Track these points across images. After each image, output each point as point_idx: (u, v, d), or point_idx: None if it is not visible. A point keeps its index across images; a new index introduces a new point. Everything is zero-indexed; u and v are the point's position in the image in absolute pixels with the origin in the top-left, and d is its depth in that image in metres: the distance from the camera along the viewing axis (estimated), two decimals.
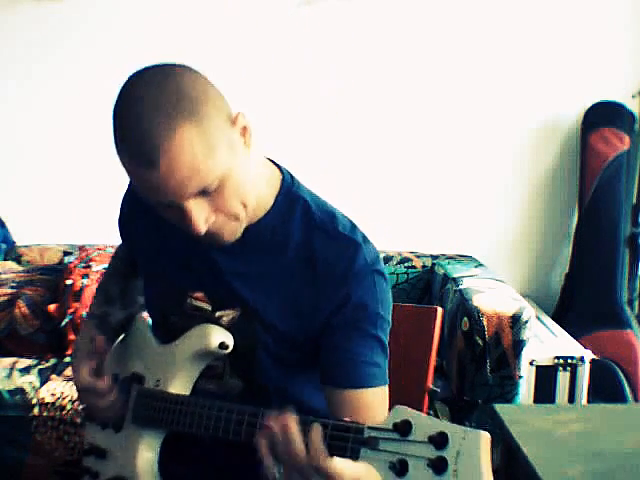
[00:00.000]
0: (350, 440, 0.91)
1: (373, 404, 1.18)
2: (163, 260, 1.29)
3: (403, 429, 0.86)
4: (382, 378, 1.20)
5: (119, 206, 1.41)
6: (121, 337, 1.43)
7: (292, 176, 1.24)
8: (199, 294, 1.25)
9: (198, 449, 1.25)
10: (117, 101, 1.04)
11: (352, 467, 0.92)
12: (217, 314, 1.24)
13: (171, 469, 1.27)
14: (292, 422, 0.97)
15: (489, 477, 0.82)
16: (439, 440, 0.84)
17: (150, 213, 1.22)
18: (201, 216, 1.06)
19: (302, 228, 1.20)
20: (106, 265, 1.54)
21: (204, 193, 1.05)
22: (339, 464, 0.92)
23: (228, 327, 1.23)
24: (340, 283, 1.17)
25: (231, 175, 1.07)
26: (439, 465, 0.83)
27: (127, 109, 1.02)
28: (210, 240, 1.13)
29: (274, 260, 1.20)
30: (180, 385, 1.24)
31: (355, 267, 1.17)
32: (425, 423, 0.86)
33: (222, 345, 1.20)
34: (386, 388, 1.20)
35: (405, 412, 0.88)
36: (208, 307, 1.25)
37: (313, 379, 1.24)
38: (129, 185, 1.38)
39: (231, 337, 1.21)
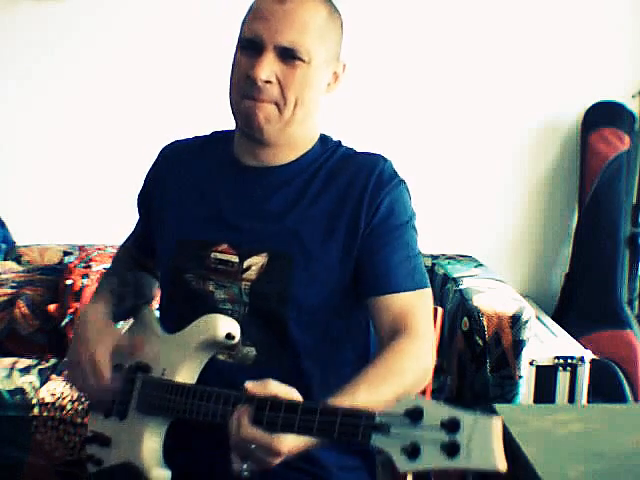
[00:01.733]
0: (362, 426, 0.91)
1: (416, 307, 1.22)
2: (191, 208, 1.31)
3: (414, 415, 0.87)
4: (421, 281, 1.25)
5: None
6: (127, 327, 1.43)
7: (331, 137, 1.37)
8: (223, 246, 1.26)
9: (203, 435, 1.25)
10: None
11: (298, 440, 0.98)
12: (245, 263, 1.24)
13: (176, 455, 1.27)
14: (244, 414, 1.00)
15: (502, 459, 0.83)
16: (451, 425, 0.85)
17: (186, 166, 1.33)
18: (270, 66, 1.19)
19: (337, 158, 1.31)
20: (106, 265, 1.54)
21: (286, 55, 1.19)
22: (284, 439, 0.97)
23: (258, 276, 1.23)
24: (375, 191, 1.25)
25: (311, 69, 1.22)
26: (451, 448, 0.84)
27: None
28: (247, 119, 1.22)
29: (305, 192, 1.26)
30: (186, 374, 1.24)
31: (386, 175, 1.28)
32: (436, 409, 0.87)
33: (229, 336, 1.20)
34: (427, 291, 1.25)
35: (416, 400, 0.89)
36: (235, 258, 1.25)
37: (337, 332, 1.26)
38: (162, 150, 1.42)
39: (238, 327, 1.21)
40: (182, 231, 1.31)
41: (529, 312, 2.21)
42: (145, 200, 1.43)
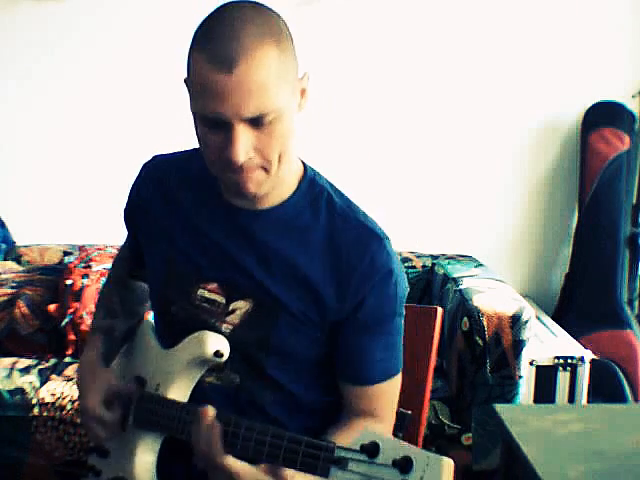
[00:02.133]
0: (321, 458, 0.95)
1: (385, 396, 1.23)
2: (179, 243, 1.27)
3: (370, 451, 0.90)
4: (395, 368, 1.24)
5: (127, 194, 1.39)
6: (129, 341, 1.43)
7: (312, 168, 1.28)
8: (212, 285, 1.24)
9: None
10: (210, 14, 1.11)
11: (247, 468, 1.03)
12: (231, 306, 1.23)
13: (170, 468, 1.27)
14: (210, 416, 1.07)
15: None
16: (404, 464, 0.87)
17: (171, 193, 1.27)
18: (245, 144, 1.08)
19: (325, 215, 1.22)
20: (106, 265, 1.55)
21: (256, 123, 1.07)
22: (233, 463, 1.04)
23: (241, 321, 1.22)
24: (364, 278, 1.19)
25: (284, 118, 1.10)
26: None
27: (221, 17, 1.08)
28: (235, 187, 1.14)
29: (296, 244, 1.21)
30: (178, 391, 1.24)
31: (378, 262, 1.20)
32: (392, 446, 0.89)
33: (217, 353, 1.20)
34: (398, 376, 1.24)
35: (373, 434, 0.91)
36: (222, 299, 1.24)
37: (316, 374, 1.26)
38: (142, 168, 1.37)
39: (227, 344, 1.21)
40: (172, 260, 1.28)
41: (529, 312, 2.21)
42: (131, 217, 1.40)
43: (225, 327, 1.23)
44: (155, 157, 1.38)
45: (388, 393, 1.23)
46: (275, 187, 1.19)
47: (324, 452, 0.94)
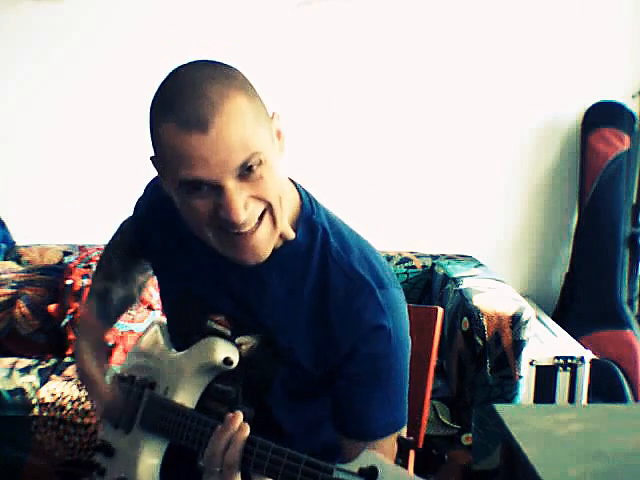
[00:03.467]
0: (319, 478, 0.94)
1: (386, 450, 1.17)
2: (189, 274, 1.25)
3: (369, 475, 0.89)
4: (396, 426, 1.19)
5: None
6: (138, 344, 1.43)
7: (310, 199, 1.21)
8: (220, 317, 1.24)
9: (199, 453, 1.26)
10: (166, 78, 1.05)
11: None
12: (237, 340, 1.23)
13: (173, 472, 1.27)
14: (237, 424, 1.06)
15: None
16: None
17: (172, 228, 1.23)
18: (241, 199, 1.02)
19: (320, 260, 1.17)
20: None
21: (244, 175, 1.02)
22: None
23: (246, 356, 1.22)
24: (350, 331, 1.15)
25: (269, 163, 1.04)
26: None
27: (181, 79, 1.03)
28: (246, 254, 1.08)
29: (293, 290, 1.17)
30: (186, 396, 1.24)
31: (365, 316, 1.14)
32: (390, 473, 0.88)
33: (227, 360, 1.20)
34: (403, 430, 1.20)
35: (374, 458, 0.90)
36: (227, 332, 1.24)
37: (323, 413, 1.24)
38: (146, 189, 1.34)
39: (237, 353, 1.21)
40: (184, 290, 1.27)
41: (529, 312, 2.21)
42: (140, 227, 1.37)
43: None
44: (155, 182, 1.32)
45: (389, 448, 1.16)
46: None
47: (322, 472, 0.94)
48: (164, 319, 1.42)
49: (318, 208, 1.21)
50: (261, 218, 1.07)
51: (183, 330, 1.30)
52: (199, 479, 1.25)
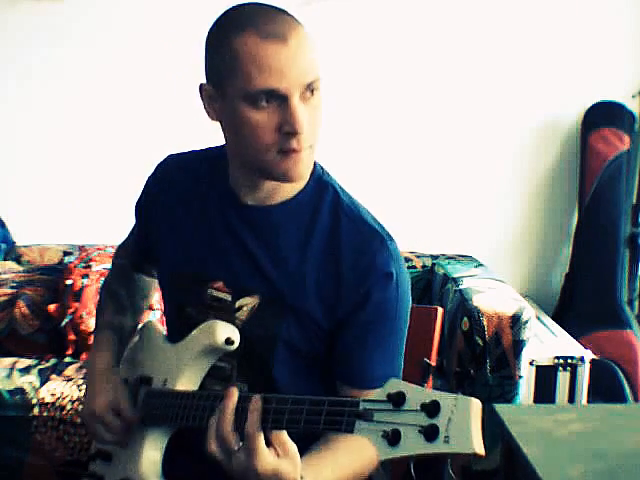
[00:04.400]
0: (345, 414, 0.92)
1: None
2: (189, 244, 1.28)
3: (397, 400, 0.88)
4: (394, 376, 1.21)
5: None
6: (132, 343, 1.43)
7: (322, 167, 1.28)
8: (219, 283, 1.25)
9: (202, 448, 1.25)
10: (227, 12, 1.17)
11: (275, 462, 0.99)
12: (237, 303, 1.23)
13: (176, 467, 1.27)
14: (231, 399, 1.03)
15: (479, 442, 0.83)
16: (431, 408, 0.85)
17: (182, 194, 1.28)
18: (305, 114, 1.10)
19: (330, 213, 1.23)
20: (106, 265, 1.53)
21: (307, 94, 1.11)
22: (265, 452, 0.99)
23: (249, 317, 1.22)
24: (362, 278, 1.19)
25: (320, 94, 1.14)
26: (431, 432, 0.84)
27: (251, 6, 1.15)
28: (282, 173, 1.14)
29: (301, 242, 1.22)
30: (187, 382, 1.24)
31: (378, 263, 1.19)
32: (418, 393, 0.87)
33: (228, 340, 1.20)
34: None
35: (399, 384, 0.89)
36: (227, 297, 1.24)
37: (320, 376, 1.25)
38: (157, 167, 1.38)
39: (237, 333, 1.21)
40: (180, 261, 1.29)
41: (529, 312, 2.21)
42: (143, 212, 1.41)
43: (236, 323, 1.24)
44: (168, 157, 1.39)
45: None
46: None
47: (349, 407, 0.92)
48: (153, 318, 1.42)
49: (329, 174, 1.28)
50: (307, 148, 1.14)
51: (183, 310, 1.29)
52: (200, 471, 1.26)
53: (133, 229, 1.48)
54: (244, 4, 1.16)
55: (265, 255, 1.22)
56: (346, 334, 1.21)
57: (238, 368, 1.24)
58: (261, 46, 1.08)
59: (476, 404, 0.85)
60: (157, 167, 1.39)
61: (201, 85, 1.19)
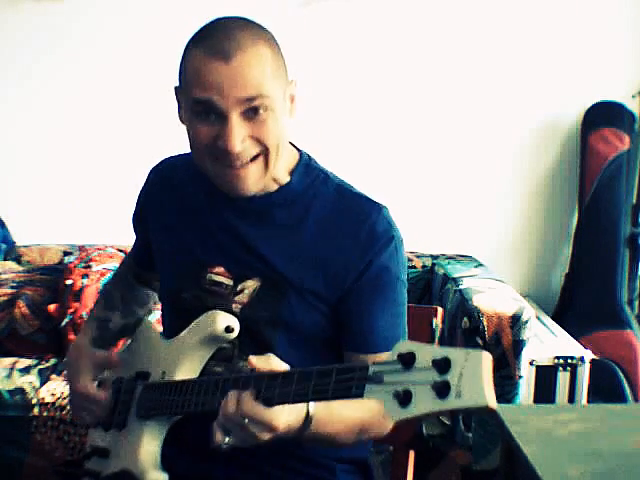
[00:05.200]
0: (355, 379, 0.92)
1: None
2: (186, 233, 1.31)
3: (407, 360, 0.87)
4: (401, 338, 1.25)
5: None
6: (127, 343, 1.43)
7: (310, 156, 1.32)
8: (219, 268, 1.27)
9: (202, 441, 1.25)
10: (202, 26, 1.21)
11: (285, 414, 1.01)
12: (239, 286, 1.25)
13: (175, 461, 1.27)
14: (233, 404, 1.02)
15: (491, 395, 0.82)
16: (442, 364, 0.84)
17: (178, 188, 1.31)
18: (240, 133, 1.13)
19: (324, 194, 1.26)
20: (106, 265, 1.55)
21: (250, 112, 1.13)
22: (272, 412, 1.00)
23: (250, 300, 1.24)
24: (364, 247, 1.22)
25: (276, 113, 1.16)
26: (442, 388, 0.83)
27: (216, 24, 1.18)
28: (227, 185, 1.19)
29: (298, 225, 1.24)
30: (187, 371, 1.24)
31: (377, 231, 1.23)
32: (428, 351, 0.86)
33: (228, 329, 1.21)
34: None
35: (409, 344, 0.89)
36: (229, 281, 1.26)
37: (325, 355, 1.26)
38: (150, 173, 1.41)
39: (236, 321, 1.22)
40: (181, 249, 1.31)
41: (529, 312, 2.21)
42: (140, 221, 1.43)
43: (235, 307, 1.25)
44: (162, 161, 1.42)
45: None
46: (277, 171, 1.24)
47: (358, 372, 0.92)
48: (150, 318, 1.42)
49: (314, 159, 1.32)
50: (255, 159, 1.17)
51: (184, 302, 1.29)
52: (198, 465, 1.26)
53: (134, 243, 1.51)
54: (218, 19, 1.21)
55: (264, 244, 1.24)
56: (353, 302, 1.23)
57: (240, 348, 1.25)
58: (204, 62, 1.13)
59: (487, 357, 0.83)
60: (151, 171, 1.42)
61: (175, 87, 1.24)
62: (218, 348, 1.25)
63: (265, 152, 1.17)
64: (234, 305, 1.25)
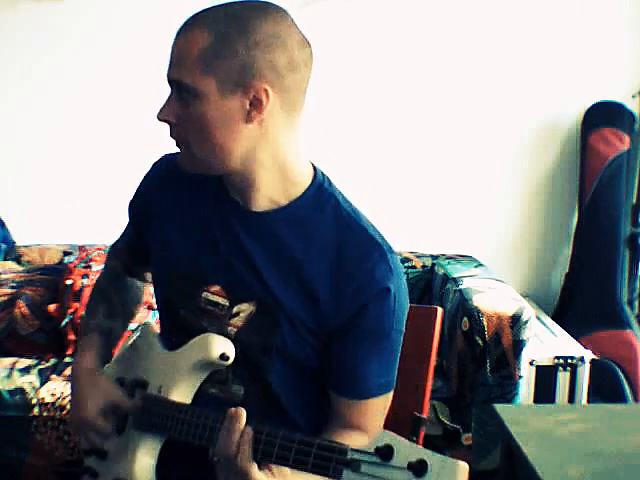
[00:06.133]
0: (334, 460, 0.93)
1: (376, 411, 1.22)
2: (183, 245, 1.27)
3: (385, 453, 0.88)
4: (388, 387, 1.22)
5: (127, 192, 1.39)
6: (129, 342, 1.43)
7: (325, 176, 1.27)
8: (216, 288, 1.24)
9: (196, 452, 1.25)
10: None
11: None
12: (235, 309, 1.23)
13: (169, 470, 1.27)
14: (240, 420, 1.05)
15: None
16: (419, 467, 0.85)
17: (176, 195, 1.28)
18: (168, 105, 1.17)
19: (331, 223, 1.21)
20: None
21: (180, 92, 1.15)
22: (257, 472, 1.01)
23: (245, 324, 1.22)
24: (359, 292, 1.18)
25: (206, 107, 1.13)
26: None
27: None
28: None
29: (299, 249, 1.20)
30: (181, 393, 1.24)
31: (376, 277, 1.18)
32: (407, 449, 0.87)
33: (223, 356, 1.20)
34: (391, 393, 1.23)
35: (388, 437, 0.89)
36: (225, 302, 1.23)
37: (318, 383, 1.25)
38: (153, 166, 1.38)
39: (232, 347, 1.21)
40: (177, 262, 1.28)
41: (529, 312, 2.21)
42: (137, 211, 1.40)
43: (230, 330, 1.23)
44: (164, 156, 1.38)
45: (379, 409, 1.22)
46: (278, 187, 1.20)
47: (337, 454, 0.93)
48: (152, 321, 1.41)
49: (331, 182, 1.27)
50: (183, 146, 1.18)
51: (177, 312, 1.28)
52: (194, 475, 1.26)
53: (125, 230, 1.47)
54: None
55: (264, 261, 1.21)
56: (340, 345, 1.20)
57: (234, 372, 1.24)
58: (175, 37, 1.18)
59: (463, 468, 0.85)
60: (153, 166, 1.39)
61: None
62: (214, 371, 1.24)
63: (185, 142, 1.17)
64: (229, 328, 1.23)
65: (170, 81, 1.18)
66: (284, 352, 1.21)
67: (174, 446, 1.26)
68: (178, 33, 1.16)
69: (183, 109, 1.15)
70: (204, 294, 1.24)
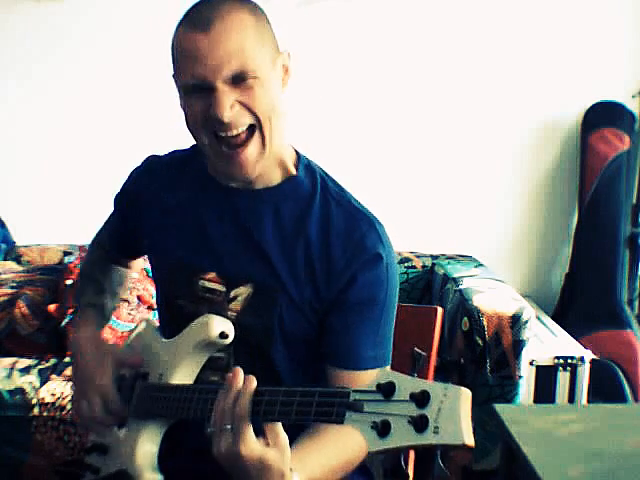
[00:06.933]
0: (336, 404, 0.91)
1: (365, 383, 1.20)
2: (177, 237, 1.28)
3: (387, 390, 0.87)
4: (383, 360, 1.23)
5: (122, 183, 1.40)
6: (129, 341, 1.43)
7: (305, 156, 1.30)
8: (211, 275, 1.25)
9: (198, 443, 1.25)
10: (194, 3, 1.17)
11: (261, 450, 0.98)
12: (232, 293, 1.23)
13: (171, 463, 1.27)
14: (240, 380, 1.02)
15: (469, 432, 0.82)
16: (421, 398, 0.84)
17: (167, 190, 1.28)
18: (228, 99, 1.11)
19: (320, 199, 1.24)
20: None
21: (237, 81, 1.11)
22: (252, 436, 0.98)
23: (243, 307, 1.22)
24: (351, 260, 1.20)
25: (265, 83, 1.13)
26: (420, 422, 0.83)
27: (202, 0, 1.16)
28: (228, 168, 1.17)
29: (293, 226, 1.22)
30: (183, 377, 1.24)
31: (366, 245, 1.21)
32: (408, 383, 0.86)
33: (222, 334, 1.20)
34: (387, 368, 1.22)
35: (389, 374, 0.89)
36: (222, 288, 1.24)
37: (316, 368, 1.25)
38: (144, 160, 1.39)
39: (232, 326, 1.21)
40: (172, 255, 1.29)
41: (529, 312, 2.21)
42: (126, 202, 1.40)
43: (230, 314, 1.24)
44: (155, 155, 1.40)
45: (372, 382, 1.22)
46: (272, 167, 1.22)
47: (339, 398, 0.91)
48: (152, 317, 1.42)
49: (310, 160, 1.30)
50: (251, 136, 1.15)
51: (180, 308, 1.28)
52: (196, 465, 1.26)
53: (109, 219, 1.48)
54: None
55: (256, 242, 1.23)
56: (334, 316, 1.22)
57: (235, 357, 1.24)
58: (185, 37, 1.12)
59: (465, 393, 0.84)
60: (145, 160, 1.40)
61: (172, 75, 1.21)
62: (214, 358, 1.24)
63: (258, 124, 1.14)
64: (229, 312, 1.24)
65: (222, 80, 1.11)
66: (284, 330, 1.22)
67: (174, 437, 1.26)
68: (202, 32, 1.10)
69: (245, 94, 1.12)
70: (200, 282, 1.26)
